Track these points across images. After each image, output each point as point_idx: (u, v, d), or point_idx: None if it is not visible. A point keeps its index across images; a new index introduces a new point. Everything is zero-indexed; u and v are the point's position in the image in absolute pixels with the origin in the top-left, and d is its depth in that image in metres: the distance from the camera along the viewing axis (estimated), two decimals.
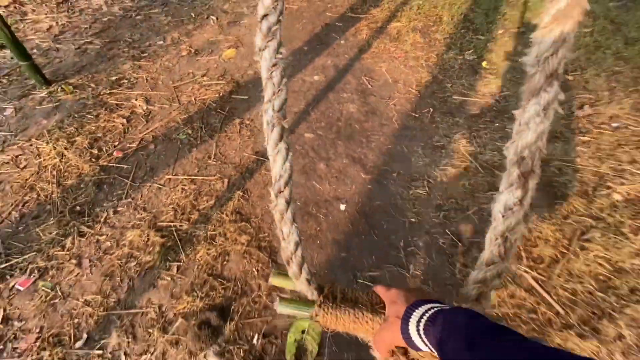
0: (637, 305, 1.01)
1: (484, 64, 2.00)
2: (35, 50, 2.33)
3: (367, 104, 1.82)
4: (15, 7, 2.94)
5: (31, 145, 1.68)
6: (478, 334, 0.34)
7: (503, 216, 0.42)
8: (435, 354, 0.39)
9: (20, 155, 1.63)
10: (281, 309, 0.56)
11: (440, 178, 1.43)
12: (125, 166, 1.56)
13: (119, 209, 1.39)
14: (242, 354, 0.98)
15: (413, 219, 1.30)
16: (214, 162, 1.56)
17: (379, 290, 0.53)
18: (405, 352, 0.48)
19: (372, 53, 2.18)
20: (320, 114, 1.77)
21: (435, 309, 0.41)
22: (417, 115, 1.72)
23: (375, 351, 0.50)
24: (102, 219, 1.35)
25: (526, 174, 0.40)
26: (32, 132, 1.74)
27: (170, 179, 1.50)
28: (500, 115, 1.69)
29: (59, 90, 2.02)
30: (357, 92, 1.90)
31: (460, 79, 1.91)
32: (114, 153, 1.62)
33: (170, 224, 1.32)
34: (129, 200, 1.42)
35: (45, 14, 2.83)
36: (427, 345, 0.40)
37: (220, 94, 1.93)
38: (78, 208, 1.39)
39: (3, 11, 2.87)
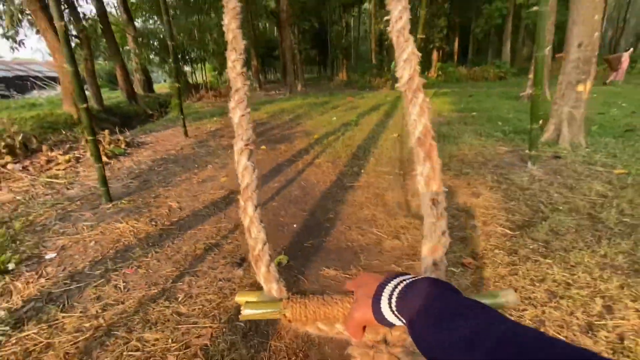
0: None
1: (362, 171, 3.87)
2: (93, 187, 3.73)
3: (304, 190, 3.44)
4: (70, 169, 4.47)
5: (110, 225, 2.87)
6: (447, 311, 0.33)
7: (426, 185, 0.53)
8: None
9: (104, 230, 2.80)
10: (246, 312, 0.52)
11: (341, 210, 2.93)
12: (174, 227, 2.81)
13: (175, 241, 2.57)
14: (252, 273, 2.13)
15: (328, 225, 2.69)
16: (225, 219, 2.89)
17: (348, 284, 0.51)
18: (385, 340, 0.46)
19: (306, 173, 3.98)
20: (279, 197, 3.31)
21: (406, 282, 0.41)
22: (328, 192, 3.35)
23: (351, 348, 0.47)
24: (166, 246, 2.51)
25: (426, 148, 0.54)
26: (109, 220, 2.95)
27: (201, 228, 2.76)
28: (371, 186, 3.38)
29: (119, 203, 3.34)
30: (298, 187, 3.54)
31: (349, 177, 3.70)
32: (165, 223, 2.88)
33: (206, 242, 2.53)
34: (180, 238, 2.62)
35: (94, 170, 4.36)
36: (401, 321, 0.39)
37: (222, 195, 3.42)
38: (151, 243, 2.55)
39: (64, 169, 4.37)
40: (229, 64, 0.66)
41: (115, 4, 18.10)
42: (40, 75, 26.95)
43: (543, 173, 3.40)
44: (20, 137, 4.85)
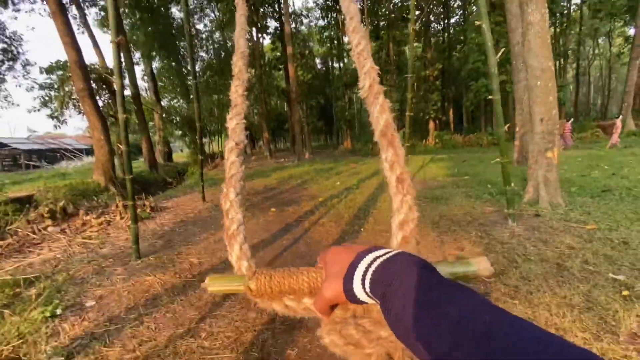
0: None
1: (362, 229, 4.32)
2: (123, 247, 4.22)
3: (309, 247, 3.87)
4: (102, 231, 5.02)
5: (140, 278, 3.29)
6: (428, 294, 0.32)
7: (391, 168, 0.58)
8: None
9: (135, 282, 3.21)
10: (211, 285, 0.52)
11: None
12: (195, 279, 3.21)
13: (197, 291, 2.96)
14: (265, 313, 2.48)
15: None
16: None
17: (319, 260, 0.51)
18: (354, 315, 0.46)
19: (311, 231, 4.44)
20: (287, 252, 3.74)
21: (379, 261, 0.39)
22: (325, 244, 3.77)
23: (320, 329, 0.47)
24: (190, 294, 2.90)
25: (388, 138, 0.61)
26: (139, 274, 3.38)
27: None
28: (369, 242, 3.80)
29: (146, 260, 3.79)
30: (304, 244, 3.98)
31: (350, 235, 4.14)
32: (188, 276, 3.29)
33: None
34: (201, 288, 3.01)
35: (123, 232, 4.90)
36: (375, 300, 0.39)
37: None
38: (176, 293, 2.94)
39: (96, 231, 4.92)
40: (232, 88, 0.75)
41: (146, 88, 20.82)
42: (70, 147, 29.65)
43: (523, 229, 3.81)
44: (61, 203, 5.53)
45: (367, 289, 0.39)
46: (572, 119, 13.36)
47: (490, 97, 3.53)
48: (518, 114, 8.30)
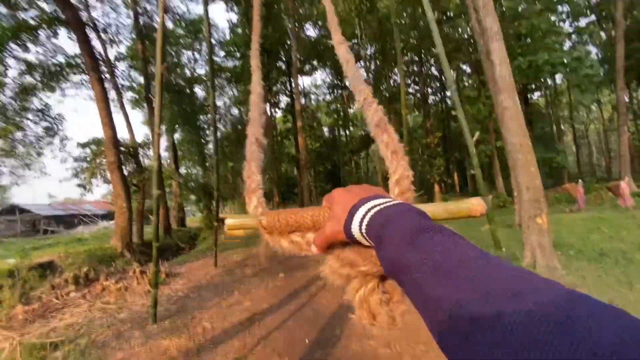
0: None
1: None
2: (140, 312, 4.48)
3: (315, 311, 4.07)
4: (120, 296, 5.31)
5: (157, 342, 3.52)
6: (419, 235, 0.35)
7: (386, 146, 0.68)
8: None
9: (152, 346, 3.44)
10: (229, 222, 0.60)
11: (346, 327, 3.51)
12: (208, 342, 3.43)
13: (210, 354, 3.17)
14: None
15: (334, 340, 3.26)
16: (249, 336, 3.50)
17: (325, 199, 0.55)
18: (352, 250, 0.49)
19: (317, 296, 4.66)
20: (294, 317, 3.95)
21: (378, 207, 0.42)
22: (336, 312, 3.98)
23: (326, 269, 0.50)
24: (203, 357, 3.11)
25: (382, 128, 0.72)
26: (155, 338, 3.61)
27: (230, 343, 3.37)
28: None
29: (162, 324, 4.03)
30: (311, 309, 4.19)
31: None
32: (201, 339, 3.51)
33: (235, 354, 3.12)
34: (213, 351, 3.22)
35: (139, 297, 5.18)
36: (369, 242, 0.42)
37: (247, 317, 4.08)
38: (191, 355, 3.15)
39: (114, 296, 5.21)
40: (251, 101, 0.93)
41: (167, 157, 22.51)
42: (88, 213, 30.96)
43: None
44: (85, 269, 5.93)
45: (364, 232, 0.42)
46: (580, 181, 13.74)
47: (473, 172, 4.04)
48: (513, 180, 8.79)
